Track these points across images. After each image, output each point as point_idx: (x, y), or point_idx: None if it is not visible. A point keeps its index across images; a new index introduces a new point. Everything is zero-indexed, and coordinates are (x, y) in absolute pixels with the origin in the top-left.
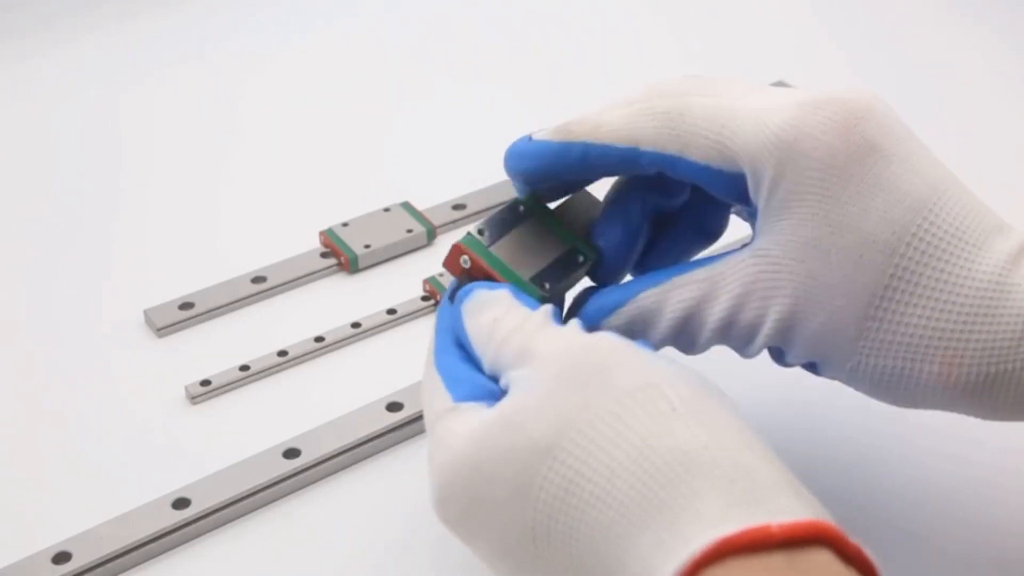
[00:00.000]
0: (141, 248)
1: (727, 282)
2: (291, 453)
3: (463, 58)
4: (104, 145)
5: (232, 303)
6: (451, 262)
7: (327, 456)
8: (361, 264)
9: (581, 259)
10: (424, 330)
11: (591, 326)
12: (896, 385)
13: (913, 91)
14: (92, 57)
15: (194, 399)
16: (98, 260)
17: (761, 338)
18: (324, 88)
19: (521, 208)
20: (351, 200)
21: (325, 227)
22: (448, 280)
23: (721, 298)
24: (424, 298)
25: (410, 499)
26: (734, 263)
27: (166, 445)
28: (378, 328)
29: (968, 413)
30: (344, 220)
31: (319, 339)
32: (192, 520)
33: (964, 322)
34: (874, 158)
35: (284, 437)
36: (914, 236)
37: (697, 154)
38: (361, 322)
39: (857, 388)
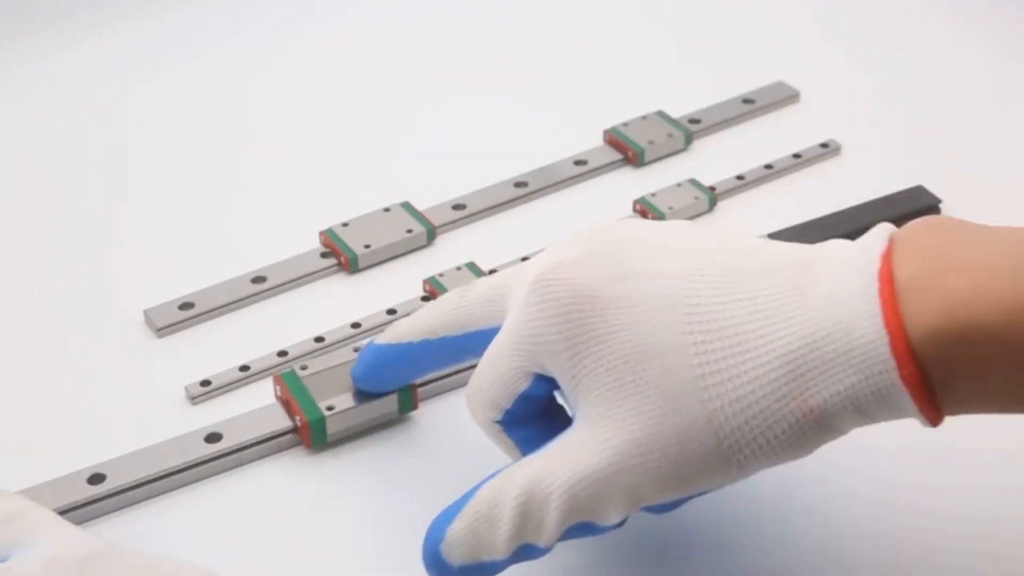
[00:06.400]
0: (141, 248)
1: (560, 459)
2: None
3: (464, 58)
4: (103, 146)
5: (232, 303)
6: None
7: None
8: (361, 264)
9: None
10: None
11: (433, 555)
12: (791, 446)
13: (912, 90)
14: (91, 58)
15: (194, 399)
16: (98, 260)
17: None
18: (324, 89)
19: None
20: (351, 200)
21: (325, 227)
22: (447, 280)
23: (560, 474)
24: (424, 298)
25: (401, 488)
26: (561, 442)
27: None
28: (378, 328)
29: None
30: (344, 220)
31: (319, 339)
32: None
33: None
34: (588, 326)
35: None
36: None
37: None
38: (361, 322)
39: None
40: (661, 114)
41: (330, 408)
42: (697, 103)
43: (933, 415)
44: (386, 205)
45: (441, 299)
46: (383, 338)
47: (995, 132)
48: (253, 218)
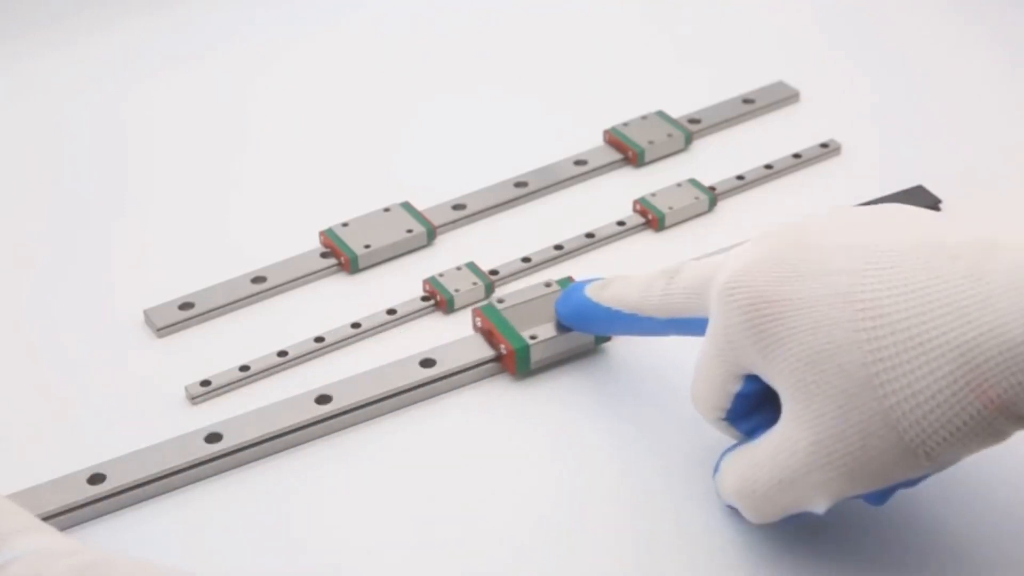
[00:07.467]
0: (141, 248)
1: (762, 461)
2: None
3: (463, 58)
4: (104, 145)
5: (232, 303)
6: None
7: None
8: (361, 264)
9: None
10: (424, 330)
11: None
12: (978, 436)
13: (912, 90)
14: (91, 57)
15: (194, 399)
16: (98, 260)
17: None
18: (324, 88)
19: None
20: (351, 200)
21: (325, 227)
22: (446, 280)
23: (762, 477)
24: (424, 298)
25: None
26: (763, 443)
27: None
28: (378, 328)
29: None
30: (344, 220)
31: (319, 339)
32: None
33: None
34: (770, 330)
35: None
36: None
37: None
38: (361, 322)
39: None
40: (661, 114)
41: (533, 337)
42: (697, 103)
43: None
44: (386, 205)
45: (649, 278)
46: (593, 293)
47: (995, 132)
48: (253, 218)
